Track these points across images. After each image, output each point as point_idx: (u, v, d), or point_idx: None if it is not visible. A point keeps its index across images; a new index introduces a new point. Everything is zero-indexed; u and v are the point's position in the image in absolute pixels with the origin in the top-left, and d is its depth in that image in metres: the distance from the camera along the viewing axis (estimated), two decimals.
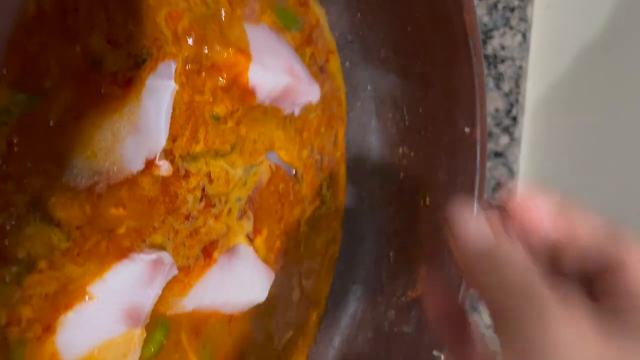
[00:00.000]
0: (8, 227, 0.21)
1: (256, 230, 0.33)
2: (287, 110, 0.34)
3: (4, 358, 0.21)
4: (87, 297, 0.23)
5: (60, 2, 0.22)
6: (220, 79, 0.30)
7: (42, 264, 0.22)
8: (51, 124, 0.22)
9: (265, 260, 0.34)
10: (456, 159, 0.39)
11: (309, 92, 0.33)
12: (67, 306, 0.23)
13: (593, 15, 0.58)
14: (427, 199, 0.41)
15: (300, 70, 0.33)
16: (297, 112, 0.35)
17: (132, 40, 0.25)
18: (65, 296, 0.23)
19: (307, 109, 0.36)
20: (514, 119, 0.61)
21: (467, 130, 0.38)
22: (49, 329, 0.22)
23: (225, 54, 0.29)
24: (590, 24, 0.58)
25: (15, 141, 0.20)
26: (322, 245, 0.41)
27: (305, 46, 0.36)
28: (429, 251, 0.41)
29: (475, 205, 0.38)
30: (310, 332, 0.41)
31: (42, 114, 0.21)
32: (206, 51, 0.29)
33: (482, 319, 0.65)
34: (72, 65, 0.22)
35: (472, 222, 0.23)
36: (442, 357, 0.38)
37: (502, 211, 0.24)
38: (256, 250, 0.33)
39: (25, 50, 0.21)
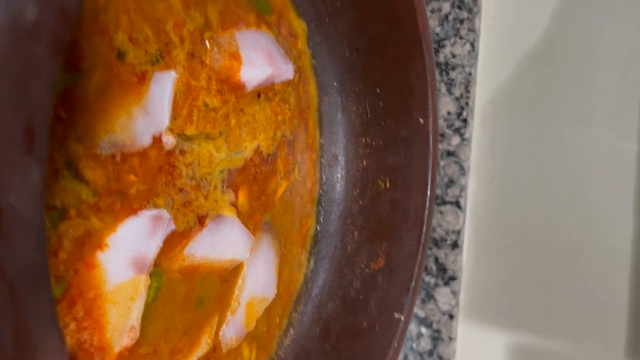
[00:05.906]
0: (50, 181, 0.25)
1: (236, 192, 0.38)
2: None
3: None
4: (104, 247, 0.28)
5: (94, 3, 0.27)
6: (214, 81, 0.35)
7: (72, 212, 0.26)
8: (87, 99, 0.26)
9: (248, 222, 0.39)
10: (412, 146, 0.44)
11: (285, 72, 0.39)
12: (92, 252, 0.27)
13: (534, 26, 0.63)
14: (387, 182, 0.46)
15: (277, 54, 0.38)
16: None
17: (149, 42, 0.30)
18: (90, 244, 0.27)
19: (283, 92, 0.41)
20: (465, 120, 0.65)
21: (421, 121, 0.44)
22: (87, 266, 0.27)
23: (223, 61, 0.34)
24: (531, 34, 0.63)
25: (61, 109, 0.25)
26: (297, 223, 0.46)
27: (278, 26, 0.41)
28: (388, 228, 0.46)
29: None
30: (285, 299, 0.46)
31: (81, 89, 0.26)
32: (203, 59, 0.34)
33: (437, 306, 0.69)
34: (103, 54, 0.27)
35: None
36: (402, 318, 0.43)
37: None
38: (241, 206, 0.38)
39: (72, 38, 0.25)
